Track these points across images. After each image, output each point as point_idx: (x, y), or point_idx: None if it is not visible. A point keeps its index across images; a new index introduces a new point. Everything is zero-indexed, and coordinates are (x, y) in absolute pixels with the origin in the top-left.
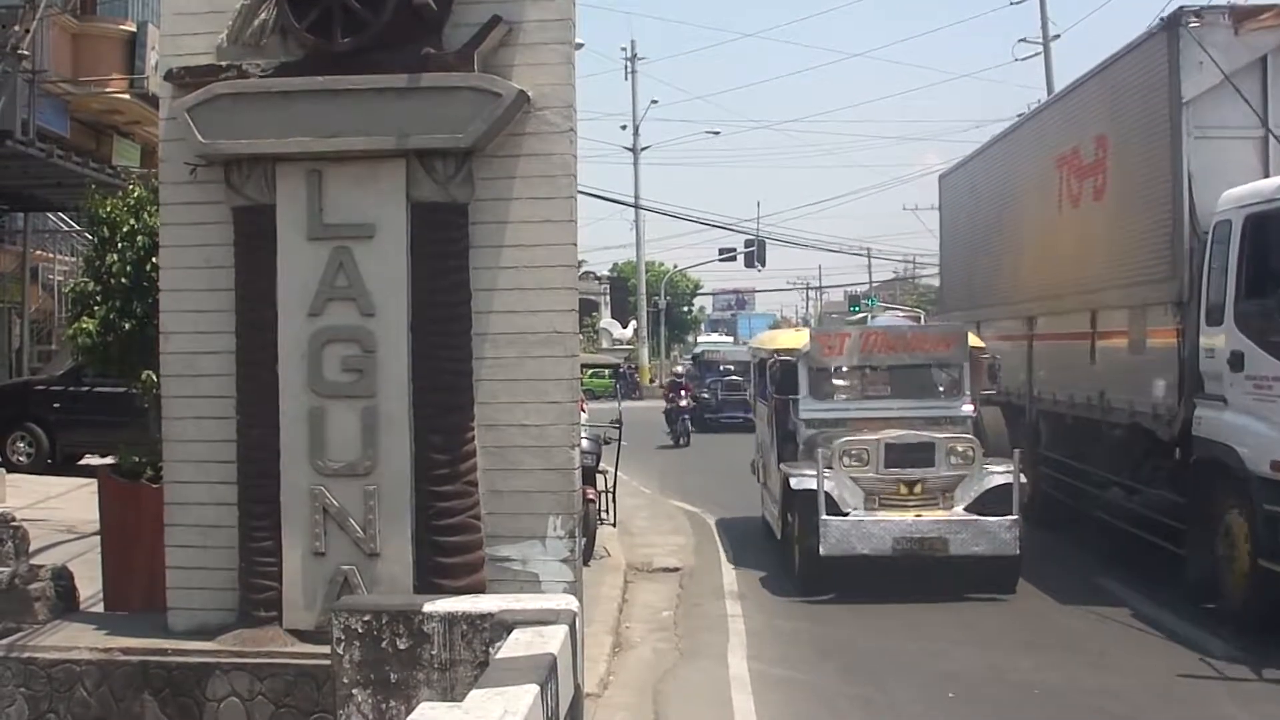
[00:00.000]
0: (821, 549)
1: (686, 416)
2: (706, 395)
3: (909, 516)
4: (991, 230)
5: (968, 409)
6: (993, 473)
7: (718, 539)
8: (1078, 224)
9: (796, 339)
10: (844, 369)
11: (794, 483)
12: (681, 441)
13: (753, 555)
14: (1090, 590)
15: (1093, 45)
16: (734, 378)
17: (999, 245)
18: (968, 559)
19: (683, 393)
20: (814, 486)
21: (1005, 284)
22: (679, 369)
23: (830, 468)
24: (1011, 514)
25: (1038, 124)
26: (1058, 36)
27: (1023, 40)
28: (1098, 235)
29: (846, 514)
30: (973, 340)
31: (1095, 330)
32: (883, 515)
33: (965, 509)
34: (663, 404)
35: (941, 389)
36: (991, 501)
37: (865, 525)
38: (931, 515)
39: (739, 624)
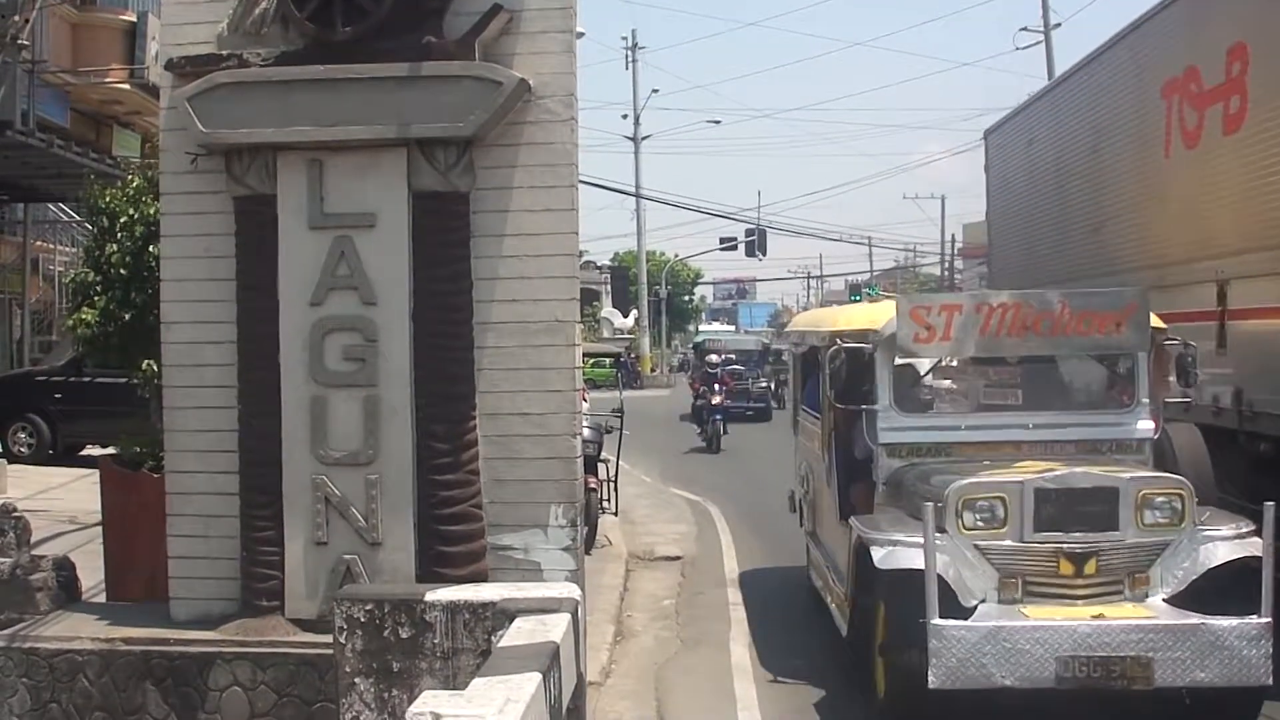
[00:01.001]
0: (932, 677)
1: (719, 416)
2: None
3: (1082, 618)
4: (1057, 189)
5: (1146, 426)
6: (1216, 538)
7: (719, 527)
8: (1195, 168)
9: (873, 315)
10: (952, 362)
11: (878, 556)
12: (712, 445)
13: (756, 544)
14: None
15: (1094, 33)
16: (736, 367)
17: (1069, 206)
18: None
19: (718, 386)
20: (914, 565)
21: (1080, 253)
22: (713, 357)
23: (943, 530)
24: (1259, 613)
25: (1128, 49)
26: (1059, 25)
27: (1024, 29)
28: (1229, 181)
29: (972, 611)
30: (1154, 319)
31: (1224, 308)
32: (1036, 616)
33: (1172, 601)
34: (669, 393)
35: (1107, 394)
36: (1219, 590)
37: (1009, 636)
38: (1120, 615)
39: (740, 612)
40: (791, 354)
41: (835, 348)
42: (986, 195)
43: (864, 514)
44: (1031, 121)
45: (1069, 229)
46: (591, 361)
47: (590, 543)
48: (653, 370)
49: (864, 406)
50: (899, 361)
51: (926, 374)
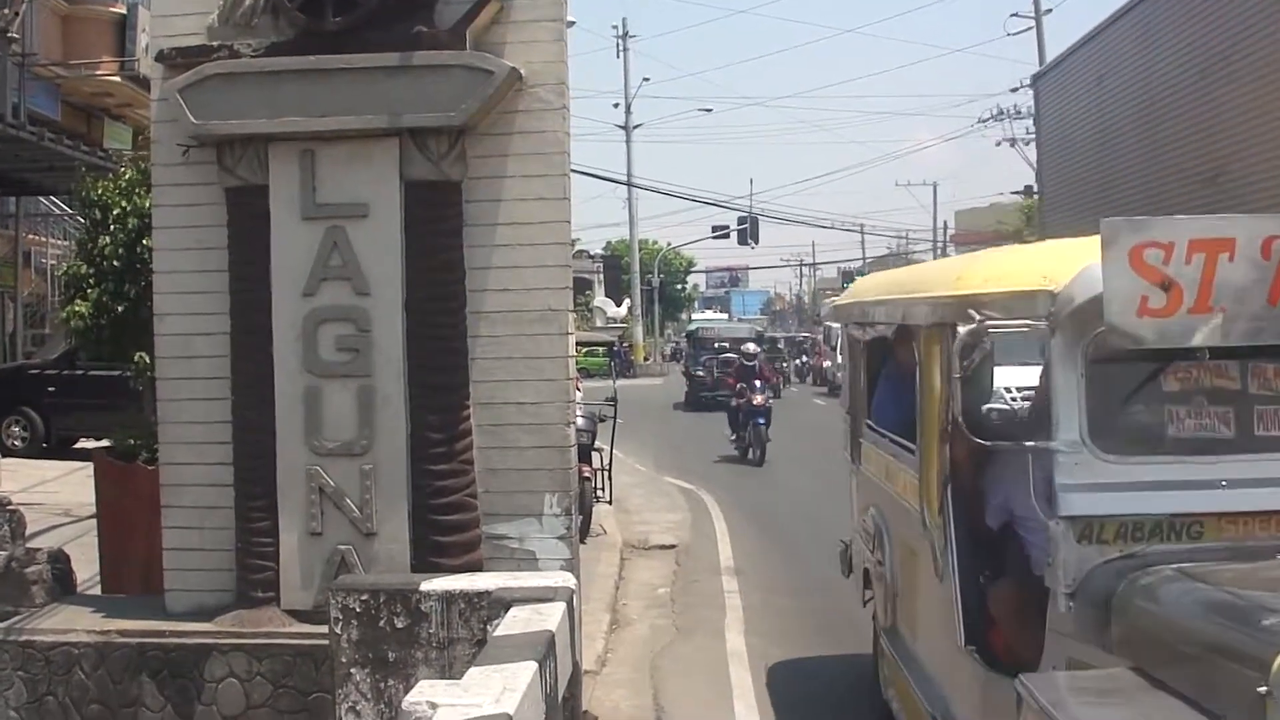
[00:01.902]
0: None
1: (763, 421)
2: (701, 373)
3: None
4: (1144, 132)
5: None
6: None
7: (713, 515)
8: None
9: (1045, 264)
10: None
11: None
12: (752, 455)
13: (751, 534)
14: None
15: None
16: (729, 355)
17: (1163, 150)
18: None
19: (758, 383)
20: None
21: (1187, 209)
22: (750, 346)
23: None
24: None
25: None
26: (1050, 10)
27: (1014, 15)
28: None
29: None
30: None
31: None
32: None
33: None
34: (662, 381)
35: None
36: None
37: None
38: None
39: (736, 600)
40: (848, 339)
41: (971, 331)
42: (1038, 149)
43: (1023, 652)
44: (1102, 53)
45: (1165, 178)
46: (585, 350)
47: (585, 531)
48: (646, 359)
49: (1030, 443)
50: (1107, 358)
51: (1152, 378)
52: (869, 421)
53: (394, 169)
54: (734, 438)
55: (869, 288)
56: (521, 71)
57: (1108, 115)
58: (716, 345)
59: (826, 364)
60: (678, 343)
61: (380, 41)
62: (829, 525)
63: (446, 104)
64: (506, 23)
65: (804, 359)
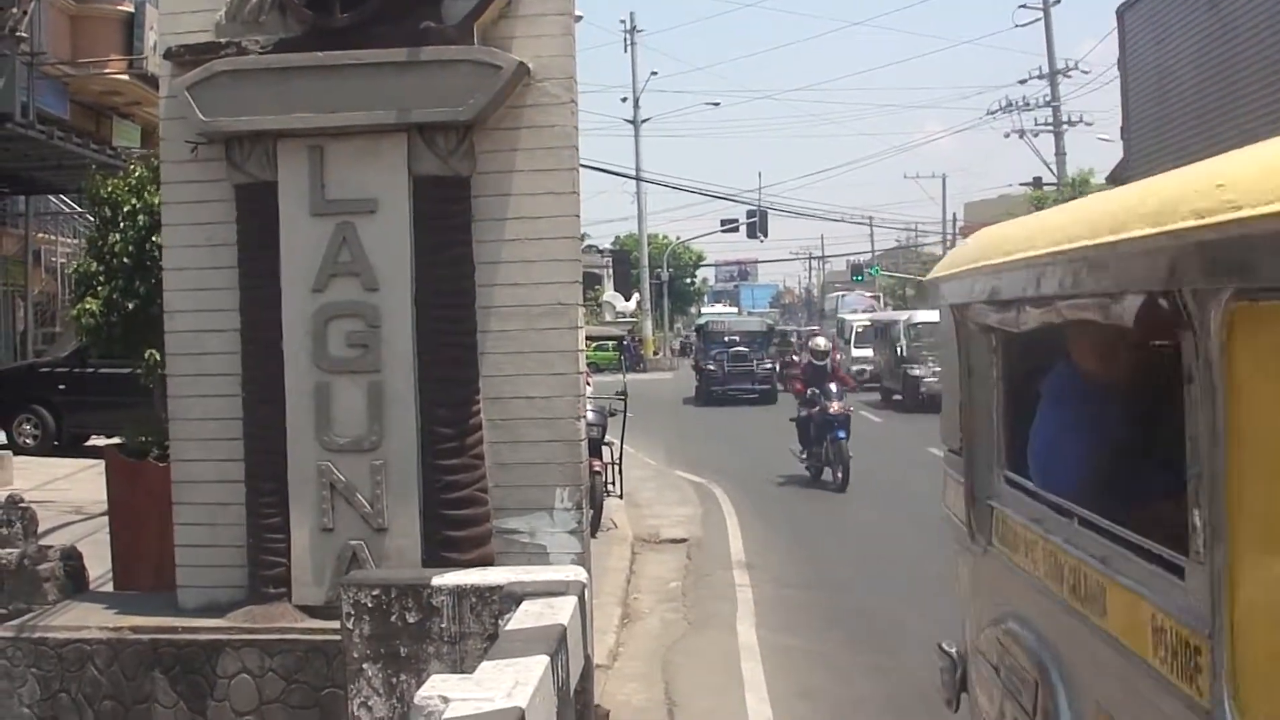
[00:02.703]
0: None
1: (843, 434)
2: (712, 367)
3: None
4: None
5: None
6: None
7: (724, 509)
8: None
9: None
10: None
11: None
12: (831, 477)
13: (761, 528)
14: None
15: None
16: (740, 349)
17: None
18: None
19: (833, 387)
20: None
21: None
22: (821, 341)
23: None
24: None
25: None
26: (1058, 1)
27: (1023, 6)
28: None
29: None
30: None
31: None
32: None
33: None
34: (671, 375)
35: None
36: None
37: None
38: None
39: (747, 593)
40: (962, 331)
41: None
42: (1122, 88)
43: None
44: None
45: None
46: (594, 345)
47: (596, 526)
48: (655, 353)
49: None
50: None
51: None
52: (1009, 474)
53: (402, 164)
54: (804, 455)
55: (1002, 241)
56: (529, 66)
57: (1228, 43)
58: (726, 339)
59: (838, 357)
60: (687, 336)
61: (388, 37)
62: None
63: (454, 99)
64: (514, 17)
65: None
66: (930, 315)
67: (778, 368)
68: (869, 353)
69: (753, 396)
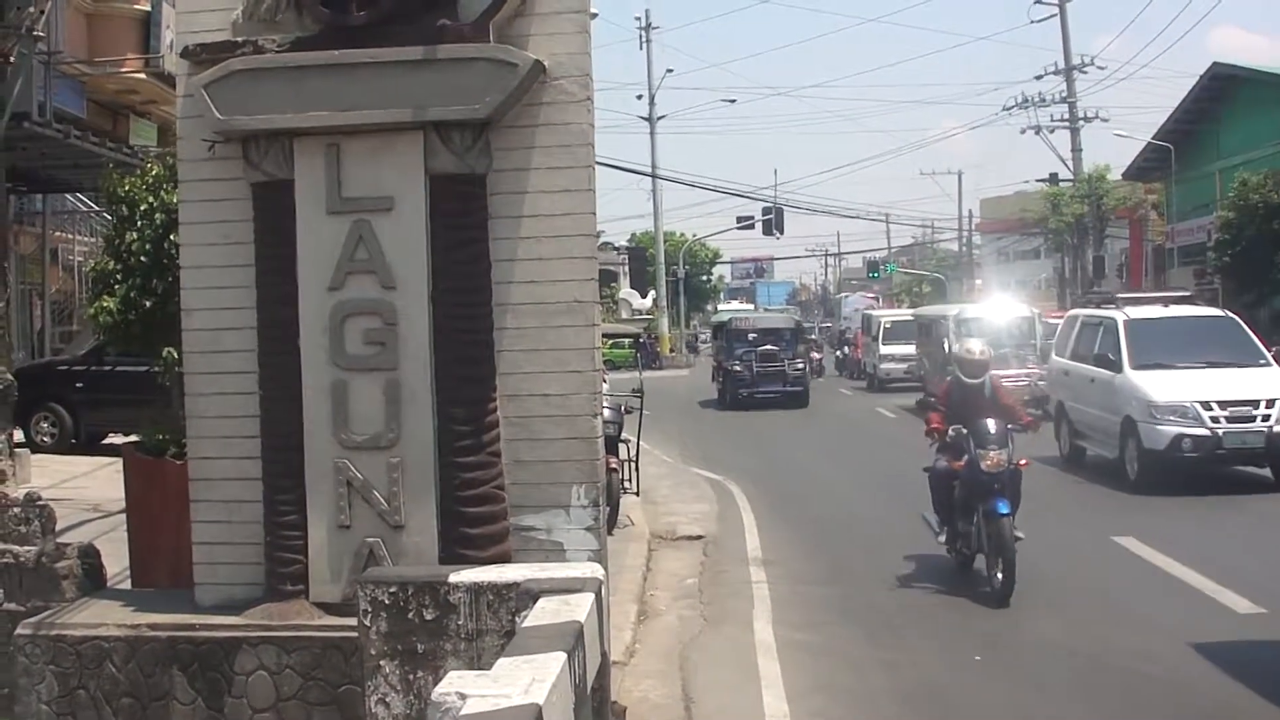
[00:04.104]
0: None
1: (1005, 506)
2: (739, 368)
3: None
4: None
5: None
6: None
7: (741, 505)
8: None
9: None
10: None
11: None
12: (986, 571)
13: (779, 525)
14: None
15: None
16: (769, 347)
17: None
18: None
19: (991, 425)
20: None
21: None
22: (975, 347)
23: None
24: None
25: None
26: None
27: (1039, 2)
28: None
29: None
30: None
31: None
32: None
33: None
34: (688, 373)
35: None
36: None
37: None
38: None
39: (764, 590)
40: None
41: None
42: None
43: None
44: None
45: None
46: (610, 343)
47: (612, 523)
48: (671, 351)
49: None
50: None
51: None
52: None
53: (419, 162)
54: (941, 531)
55: None
56: (545, 64)
57: None
58: (752, 336)
59: (860, 355)
60: (695, 333)
61: (404, 35)
62: None
63: (470, 97)
64: (530, 15)
65: (845, 350)
66: (982, 310)
67: (806, 367)
68: (901, 349)
69: (784, 400)
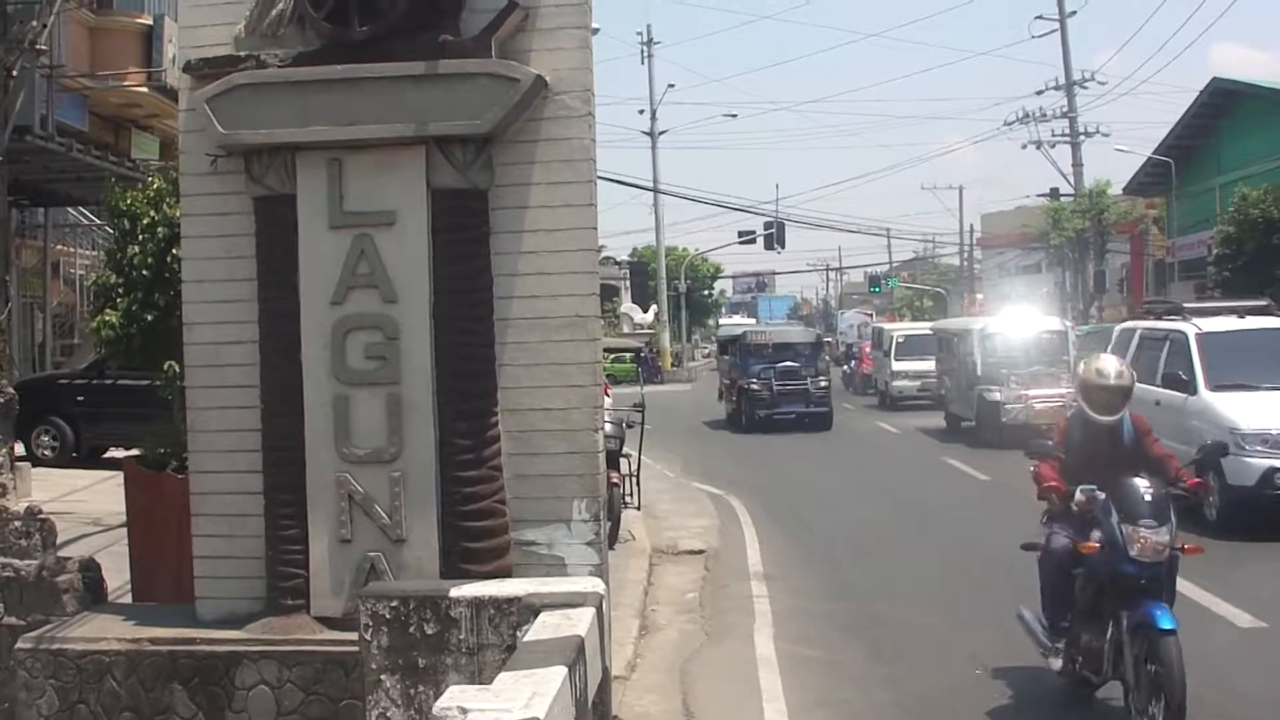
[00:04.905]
0: None
1: (1164, 615)
2: (757, 387)
3: None
4: None
5: None
6: None
7: (742, 520)
8: None
9: None
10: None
11: None
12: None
13: (780, 540)
14: None
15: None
16: (790, 364)
17: None
18: None
19: (1146, 490)
20: None
21: None
22: (1110, 369)
23: None
24: None
25: None
26: (1074, 13)
27: (1039, 17)
28: None
29: None
30: None
31: None
32: None
33: None
34: (690, 388)
35: None
36: None
37: None
38: None
39: (765, 605)
40: None
41: None
42: None
43: None
44: None
45: None
46: (612, 357)
47: (613, 537)
48: (674, 365)
49: None
50: None
51: None
52: None
53: (421, 177)
54: (1054, 642)
55: None
56: (547, 79)
57: None
58: (770, 352)
59: (867, 369)
60: (709, 347)
61: (406, 50)
62: None
63: (472, 112)
64: (532, 30)
65: (851, 364)
66: (1010, 323)
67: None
68: (914, 365)
69: (807, 421)
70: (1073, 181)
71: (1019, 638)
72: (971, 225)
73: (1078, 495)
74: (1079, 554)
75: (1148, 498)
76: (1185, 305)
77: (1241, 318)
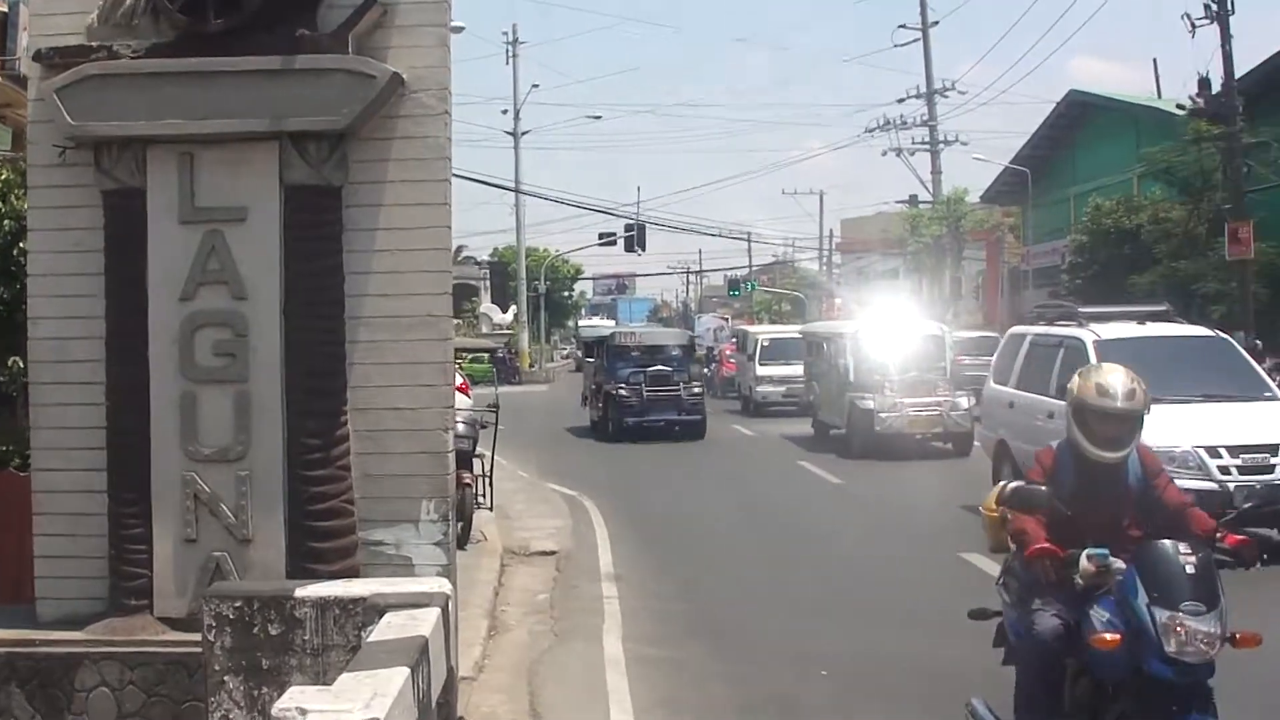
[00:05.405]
0: None
1: None
2: (625, 393)
3: None
4: None
5: None
6: None
7: (594, 521)
8: None
9: None
10: None
11: None
12: None
13: (632, 541)
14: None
15: (972, 32)
16: (661, 368)
17: None
18: None
19: (1191, 560)
20: None
21: None
22: (1118, 388)
23: None
24: None
25: None
26: (936, 23)
27: (902, 26)
28: None
29: None
30: None
31: None
32: None
33: None
34: (547, 388)
35: None
36: None
37: None
38: None
39: (614, 605)
40: None
41: None
42: None
43: None
44: None
45: None
46: (471, 357)
47: (465, 538)
48: (531, 366)
49: None
50: None
51: None
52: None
53: (274, 173)
54: None
55: None
56: (404, 76)
57: None
58: (638, 354)
59: (728, 373)
60: (568, 347)
61: (262, 44)
62: None
63: (328, 108)
64: (390, 27)
65: (711, 367)
66: (885, 326)
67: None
68: (780, 370)
69: (679, 429)
70: (931, 189)
71: (862, 638)
72: (831, 230)
73: (1084, 563)
74: (1075, 641)
75: (1190, 569)
76: (1081, 310)
77: (1142, 324)
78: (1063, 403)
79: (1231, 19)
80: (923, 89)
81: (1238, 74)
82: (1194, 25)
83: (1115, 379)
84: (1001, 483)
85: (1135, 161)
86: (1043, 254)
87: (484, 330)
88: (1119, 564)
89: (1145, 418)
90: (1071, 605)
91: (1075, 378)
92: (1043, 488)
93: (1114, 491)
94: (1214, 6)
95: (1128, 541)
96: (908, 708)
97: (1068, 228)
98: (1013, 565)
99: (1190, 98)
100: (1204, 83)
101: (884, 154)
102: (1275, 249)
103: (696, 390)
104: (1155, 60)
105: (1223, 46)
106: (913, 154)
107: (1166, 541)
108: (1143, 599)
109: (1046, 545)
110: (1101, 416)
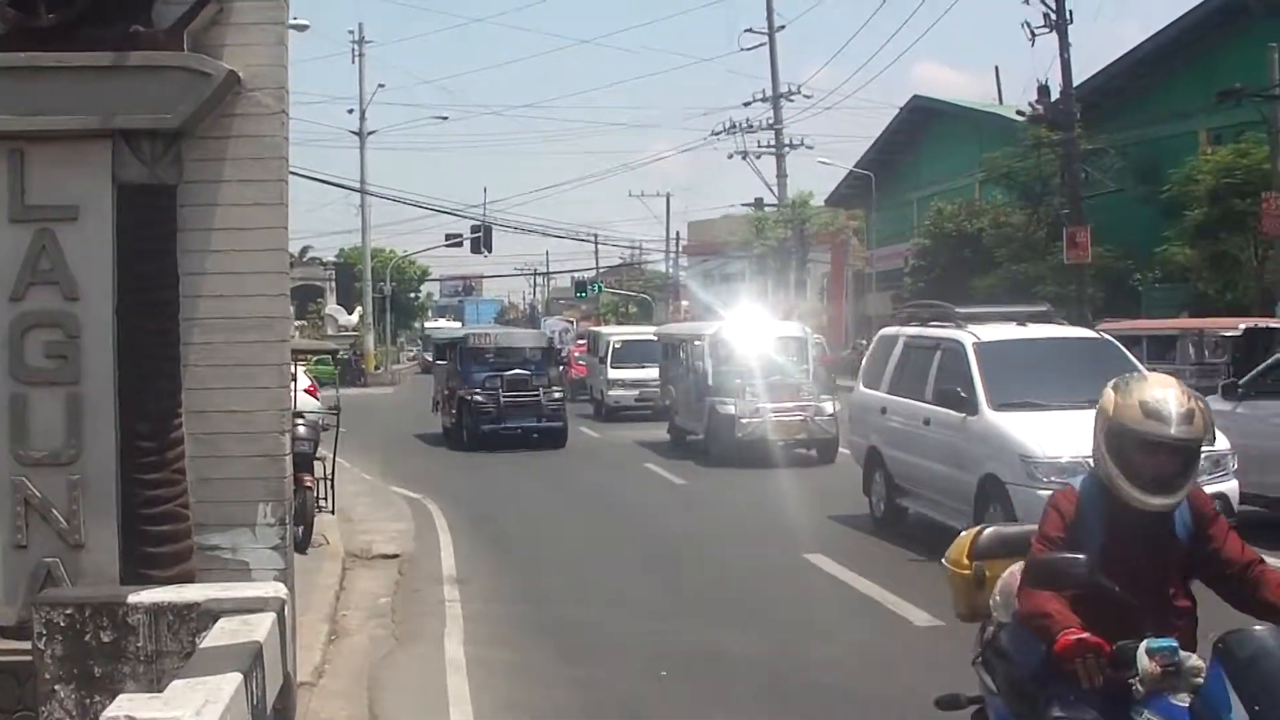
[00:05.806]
0: None
1: None
2: (480, 398)
3: None
4: None
5: None
6: None
7: (438, 525)
8: None
9: None
10: None
11: None
12: None
13: (474, 543)
14: None
15: (818, 36)
16: (519, 372)
17: None
18: None
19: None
20: None
21: None
22: (1169, 407)
23: None
24: None
25: None
26: (783, 27)
27: (749, 30)
28: None
29: None
30: None
31: None
32: None
33: None
34: (392, 390)
35: None
36: None
37: None
38: None
39: (457, 609)
40: None
41: None
42: None
43: None
44: None
45: None
46: (316, 359)
47: (306, 541)
48: (377, 368)
49: None
50: None
51: None
52: None
53: (106, 171)
54: None
55: None
56: (240, 74)
57: None
58: (493, 357)
59: (576, 375)
60: (414, 348)
61: (95, 40)
62: None
63: (162, 105)
64: (226, 24)
65: (559, 368)
66: (745, 328)
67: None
68: (633, 374)
69: (538, 437)
70: (777, 192)
71: (704, 638)
72: (678, 233)
73: (1144, 662)
74: None
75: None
76: (958, 311)
77: (1022, 325)
78: (944, 410)
79: (1070, 28)
80: (769, 92)
81: (1076, 82)
82: (1034, 34)
83: (1166, 395)
84: (974, 528)
85: (977, 166)
86: (886, 257)
87: (329, 331)
88: (1195, 661)
89: (1203, 449)
90: (1109, 710)
91: (1109, 393)
92: (1081, 558)
93: (1158, 549)
94: (1053, 16)
95: (1174, 617)
96: (750, 707)
97: (911, 231)
98: (998, 640)
99: (1030, 104)
100: (1043, 90)
101: (730, 157)
102: (1112, 253)
103: (557, 395)
104: (997, 68)
105: (1061, 55)
106: (759, 157)
107: (1262, 628)
108: (1240, 715)
109: (1086, 636)
110: (1151, 447)
